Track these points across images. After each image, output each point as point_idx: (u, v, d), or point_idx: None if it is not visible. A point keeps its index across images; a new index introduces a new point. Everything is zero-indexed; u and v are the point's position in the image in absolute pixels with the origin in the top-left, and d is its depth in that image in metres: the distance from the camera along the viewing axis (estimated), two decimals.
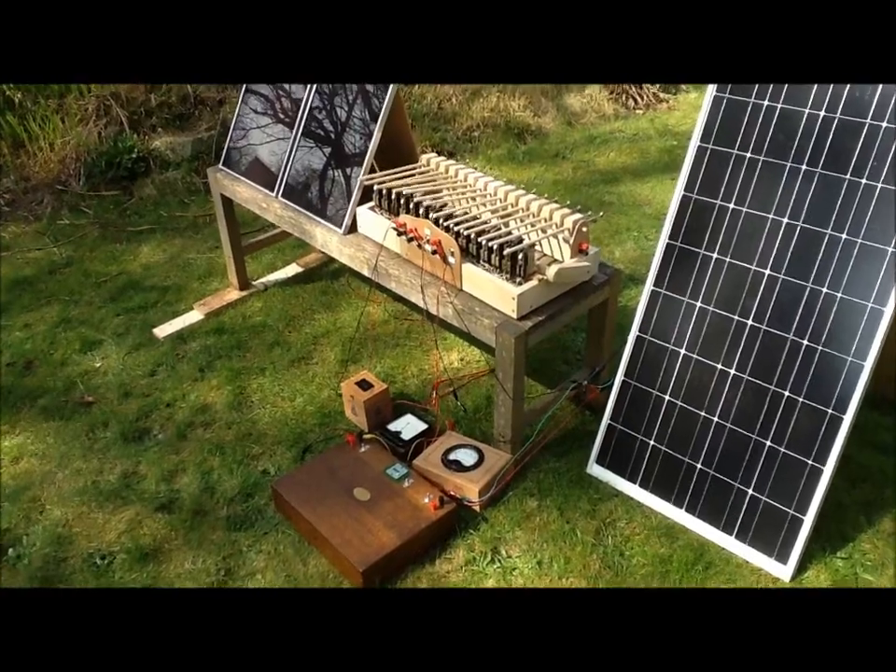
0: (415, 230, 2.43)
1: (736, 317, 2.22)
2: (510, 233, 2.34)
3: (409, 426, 2.65)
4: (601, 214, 2.59)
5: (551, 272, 2.24)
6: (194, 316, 3.37)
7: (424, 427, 2.64)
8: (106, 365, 3.11)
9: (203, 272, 3.71)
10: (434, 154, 2.75)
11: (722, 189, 2.26)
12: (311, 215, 2.83)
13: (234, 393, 2.93)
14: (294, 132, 2.92)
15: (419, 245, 2.43)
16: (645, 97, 5.34)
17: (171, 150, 4.41)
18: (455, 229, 2.36)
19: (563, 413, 2.68)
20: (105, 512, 2.47)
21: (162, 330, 3.30)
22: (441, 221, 2.41)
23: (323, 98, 2.86)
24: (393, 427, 2.65)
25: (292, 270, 3.65)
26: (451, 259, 2.36)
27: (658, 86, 5.39)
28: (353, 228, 2.73)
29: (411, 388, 2.93)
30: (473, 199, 2.56)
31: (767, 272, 2.16)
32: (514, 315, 2.26)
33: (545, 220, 2.41)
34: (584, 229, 2.34)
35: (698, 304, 2.29)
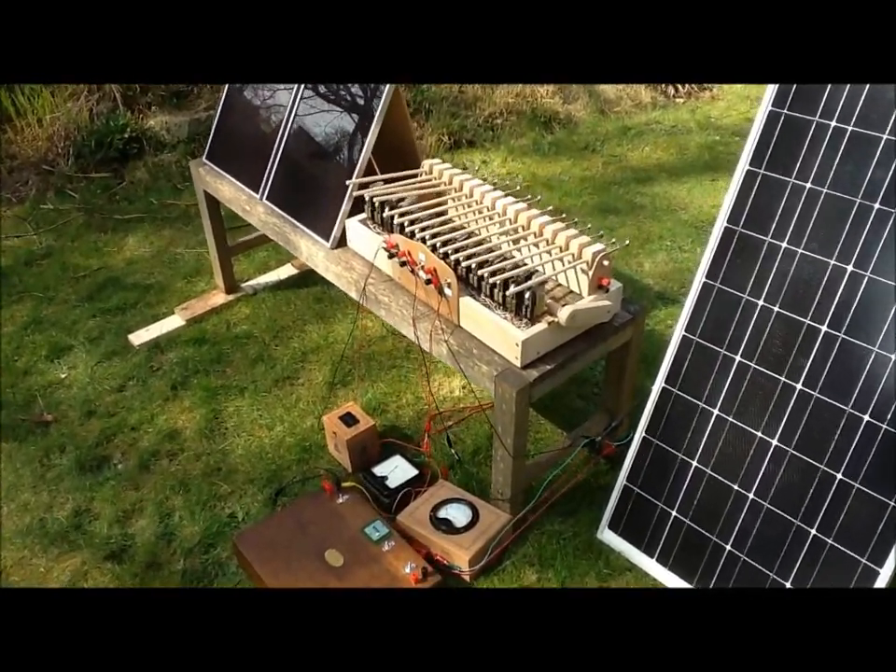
0: (409, 253, 2.08)
1: (783, 378, 1.85)
2: (517, 266, 1.99)
3: (396, 470, 2.33)
4: (626, 242, 2.22)
5: (563, 314, 1.89)
6: (174, 322, 3.07)
7: (413, 473, 2.31)
8: (73, 376, 2.82)
9: (189, 269, 3.40)
10: (438, 161, 2.39)
11: (774, 225, 1.88)
12: (296, 223, 2.49)
13: (208, 417, 2.62)
14: (283, 127, 2.57)
15: (412, 271, 2.09)
16: (686, 84, 4.90)
17: (166, 131, 4.08)
18: (454, 256, 2.01)
19: (573, 462, 2.34)
20: (48, 558, 2.19)
21: (138, 337, 2.99)
22: (437, 247, 2.06)
23: (315, 90, 2.50)
24: (379, 470, 2.33)
25: (286, 271, 3.32)
26: (447, 291, 2.02)
27: None
28: (343, 241, 2.39)
29: (404, 420, 2.60)
30: (478, 219, 2.20)
31: (824, 328, 1.79)
32: (518, 363, 1.92)
33: (560, 249, 2.05)
34: (606, 262, 1.98)
35: (738, 358, 1.93)
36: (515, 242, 2.15)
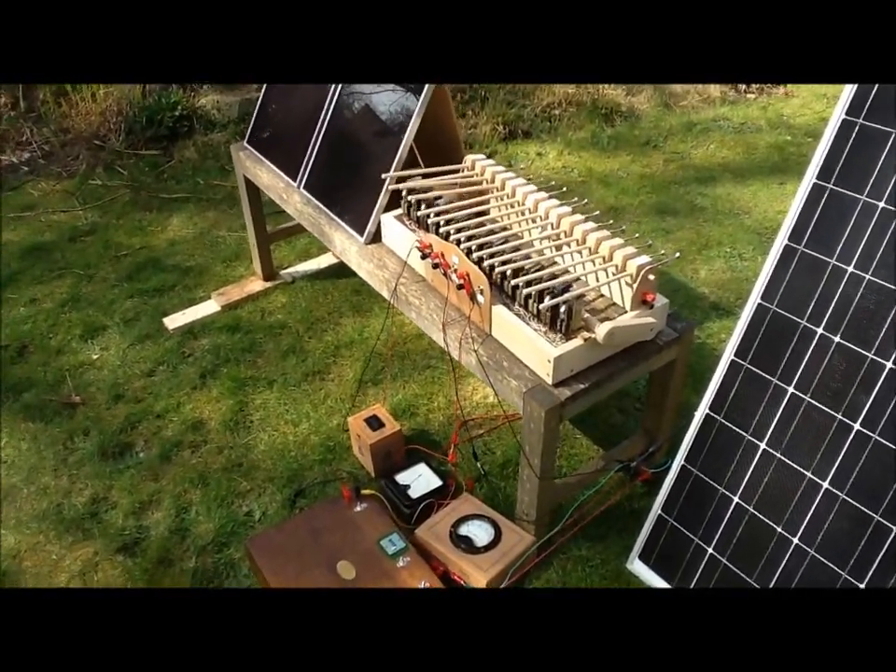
0: (442, 255, 1.97)
1: (840, 415, 1.69)
2: (554, 276, 1.86)
3: (420, 479, 2.23)
4: (677, 254, 2.07)
5: (601, 331, 1.75)
6: (210, 307, 3.01)
7: (437, 483, 2.21)
8: (105, 358, 2.79)
9: (230, 253, 3.34)
10: (481, 156, 2.26)
11: (840, 245, 1.71)
12: (332, 215, 2.40)
13: (234, 409, 2.56)
14: (323, 114, 2.47)
15: (445, 274, 1.97)
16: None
17: (217, 110, 4.03)
18: (489, 262, 1.89)
19: (607, 484, 2.20)
20: (62, 546, 2.15)
21: (173, 321, 2.95)
22: (472, 250, 1.94)
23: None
24: (402, 478, 2.23)
25: (326, 260, 3.24)
26: (480, 298, 1.90)
27: None
28: (378, 236, 2.29)
29: (433, 425, 2.49)
30: (519, 221, 2.07)
31: (889, 364, 1.62)
32: (549, 380, 1.79)
33: (604, 259, 1.90)
34: (651, 276, 1.83)
35: (790, 389, 1.76)
36: (557, 248, 2.01)
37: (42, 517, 2.23)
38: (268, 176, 2.66)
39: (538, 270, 1.88)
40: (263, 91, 2.76)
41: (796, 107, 4.53)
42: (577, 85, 4.25)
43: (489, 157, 3.97)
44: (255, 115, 2.77)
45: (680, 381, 2.08)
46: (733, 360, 1.87)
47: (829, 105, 4.51)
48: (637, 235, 2.06)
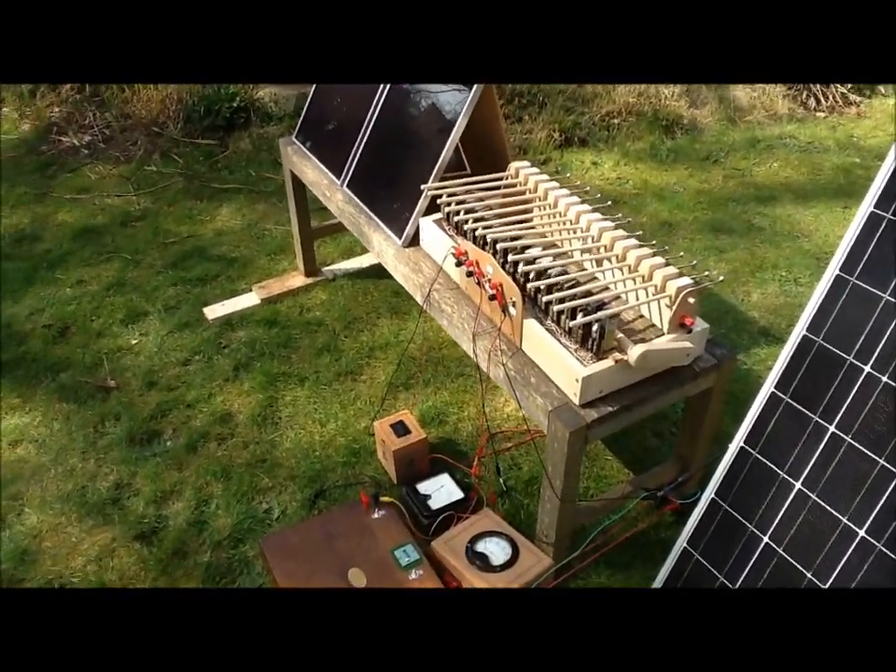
0: (476, 264, 1.92)
1: (882, 461, 1.58)
2: (590, 293, 1.79)
3: (442, 490, 2.18)
4: (721, 278, 1.98)
5: (633, 353, 1.68)
6: (250, 300, 3.02)
7: (459, 496, 2.16)
8: (143, 344, 2.81)
9: (275, 247, 3.34)
10: (525, 164, 2.20)
11: (895, 280, 1.61)
12: (372, 215, 2.37)
13: (264, 404, 2.55)
14: (370, 114, 2.44)
15: (478, 283, 1.93)
16: (830, 97, 4.48)
17: (274, 102, 4.05)
18: (524, 272, 1.83)
19: (634, 509, 2.13)
20: (81, 529, 2.17)
21: (213, 311, 2.96)
22: (508, 261, 1.89)
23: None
24: (423, 487, 2.19)
25: (368, 259, 3.22)
26: (511, 310, 1.84)
27: (849, 85, 4.50)
28: (416, 240, 2.25)
29: (461, 435, 2.45)
30: (559, 232, 2.01)
31: None
32: (576, 401, 1.73)
33: (643, 279, 1.83)
34: (691, 300, 1.75)
35: (831, 428, 1.67)
36: (598, 263, 1.95)
37: (66, 499, 2.25)
38: (313, 173, 2.64)
39: (573, 285, 1.82)
40: (314, 87, 2.75)
41: (868, 128, 4.35)
42: (638, 95, 4.16)
43: (543, 163, 3.93)
44: (305, 110, 2.76)
45: (717, 410, 1.99)
46: (772, 393, 1.78)
47: None
48: (681, 254, 1.97)
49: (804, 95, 4.46)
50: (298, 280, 3.09)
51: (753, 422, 1.81)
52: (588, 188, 2.22)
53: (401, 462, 2.24)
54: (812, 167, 3.93)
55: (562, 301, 1.76)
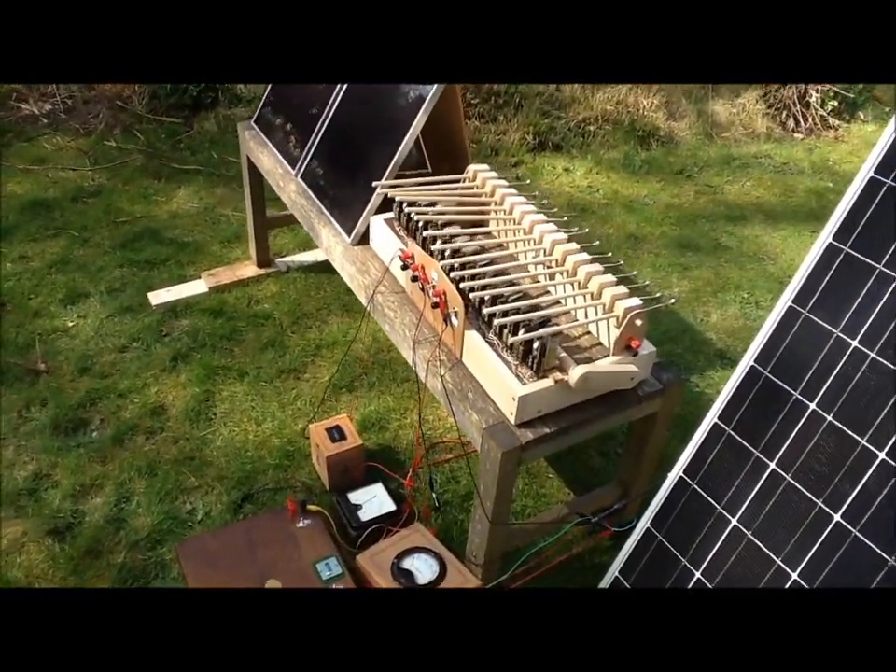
0: (422, 268, 1.83)
1: (821, 503, 1.52)
2: (535, 308, 1.71)
3: (374, 500, 2.10)
4: (672, 301, 1.91)
5: (574, 374, 1.60)
6: (198, 287, 2.91)
7: (390, 507, 2.08)
8: (80, 327, 2.69)
9: (230, 234, 3.23)
10: (484, 167, 2.12)
11: (847, 316, 1.54)
12: (323, 209, 2.27)
13: (199, 398, 2.45)
14: (330, 104, 2.34)
15: (423, 289, 1.84)
16: (810, 119, 4.44)
17: (243, 84, 3.92)
18: (468, 283, 1.75)
19: (570, 532, 2.06)
20: None
21: (158, 296, 2.85)
22: (453, 268, 1.80)
23: None
24: (355, 496, 2.11)
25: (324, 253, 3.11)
26: (454, 320, 1.76)
27: (829, 109, 4.47)
28: (365, 238, 2.16)
29: (401, 443, 2.36)
30: (514, 244, 1.93)
31: (882, 454, 1.46)
32: (512, 420, 1.65)
33: (592, 296, 1.76)
34: (639, 321, 1.68)
35: (772, 465, 1.60)
36: (550, 277, 1.87)
37: None
38: (269, 160, 2.54)
39: (518, 298, 1.74)
40: None
41: (844, 153, 4.32)
42: (616, 103, 4.09)
43: (514, 165, 3.85)
44: (265, 95, 2.66)
45: (661, 435, 1.93)
46: (715, 423, 1.72)
47: None
48: (634, 273, 1.90)
49: (783, 115, 4.42)
50: (249, 270, 2.99)
51: (694, 452, 1.74)
52: (546, 199, 2.14)
53: (334, 469, 2.15)
54: (785, 188, 3.89)
55: (505, 314, 1.68)
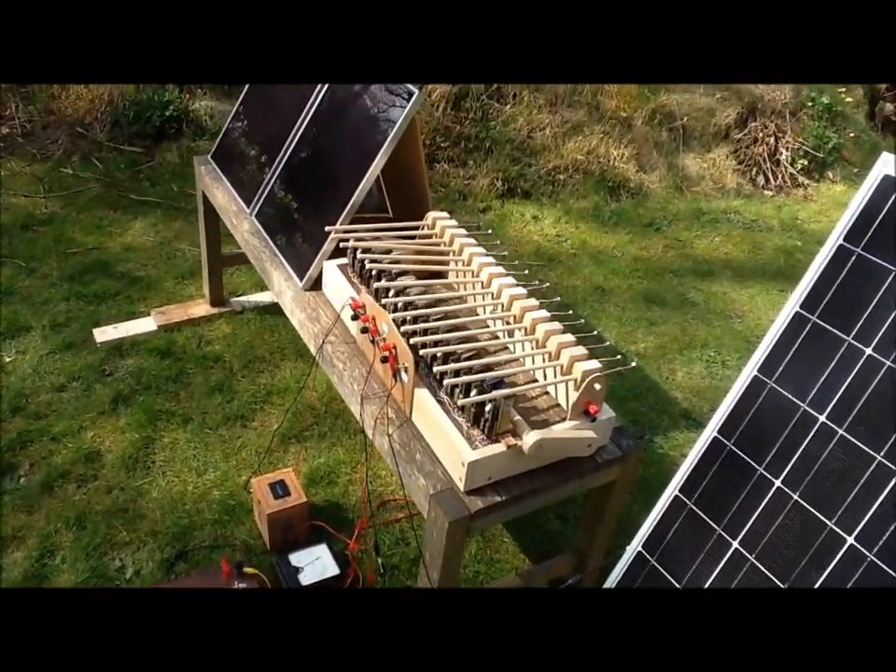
0: (373, 319, 1.74)
1: (786, 588, 1.43)
2: (488, 368, 1.62)
3: (317, 563, 1.97)
4: (633, 363, 1.84)
5: (528, 440, 1.51)
6: (146, 325, 2.78)
7: (334, 572, 1.95)
8: (17, 363, 2.55)
9: (185, 270, 3.12)
10: (443, 215, 2.04)
11: (815, 390, 1.47)
12: (276, 251, 2.18)
13: (138, 444, 2.31)
14: (288, 143, 2.26)
15: (373, 341, 1.74)
16: (780, 176, 4.45)
17: (209, 116, 3.84)
18: (420, 339, 1.65)
19: None
20: None
21: (103, 333, 2.72)
22: (406, 321, 1.71)
23: (329, 110, 2.19)
24: (297, 558, 1.98)
25: None
26: (403, 376, 1.66)
27: (798, 167, 4.49)
28: (318, 283, 2.06)
29: (350, 500, 2.24)
30: (473, 298, 1.85)
31: (850, 539, 1.37)
32: (461, 486, 1.55)
33: (550, 356, 1.67)
34: (598, 385, 1.59)
35: (734, 544, 1.51)
36: (509, 334, 1.78)
37: None
38: (223, 197, 2.44)
39: (472, 356, 1.65)
40: (237, 104, 2.56)
41: (812, 212, 4.33)
42: (587, 153, 4.06)
43: (482, 211, 3.79)
44: (223, 130, 2.57)
45: (619, 503, 1.83)
46: (676, 496, 1.62)
47: None
48: (595, 332, 1.82)
49: (753, 171, 4.43)
50: (202, 309, 2.87)
51: (653, 526, 1.65)
52: (507, 250, 2.06)
53: (276, 527, 2.02)
54: (753, 245, 3.87)
55: (457, 373, 1.58)
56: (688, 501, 1.61)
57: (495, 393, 1.52)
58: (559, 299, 1.92)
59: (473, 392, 1.55)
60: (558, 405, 1.72)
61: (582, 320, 1.85)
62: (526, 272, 1.91)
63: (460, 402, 1.51)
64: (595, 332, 1.81)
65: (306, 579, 1.92)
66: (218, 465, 2.28)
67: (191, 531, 2.09)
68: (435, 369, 1.58)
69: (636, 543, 1.67)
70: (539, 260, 3.45)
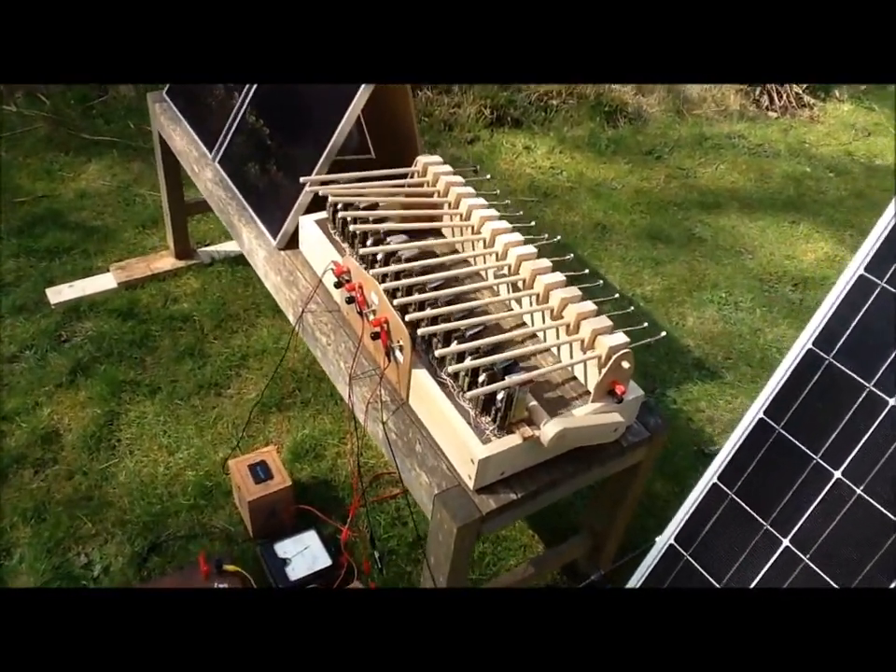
0: (360, 288, 1.49)
1: (852, 588, 1.25)
2: (500, 347, 1.39)
3: (305, 553, 1.78)
4: (663, 333, 1.61)
5: (548, 432, 1.29)
6: (105, 282, 2.52)
7: (325, 563, 1.76)
8: None
9: (146, 217, 2.83)
10: (435, 159, 1.78)
11: (827, 444, 1.26)
12: (245, 204, 1.91)
13: (101, 421, 2.08)
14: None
15: (361, 314, 1.50)
16: (784, 97, 4.16)
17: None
18: (416, 315, 1.42)
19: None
20: None
21: (58, 293, 2.45)
22: (398, 292, 1.47)
23: None
24: (283, 548, 1.78)
25: None
26: (398, 355, 1.43)
27: (804, 85, 4.20)
28: (294, 240, 1.80)
29: (340, 475, 2.04)
30: (474, 260, 1.60)
31: None
32: (470, 485, 1.34)
33: (568, 327, 1.44)
34: (626, 364, 1.37)
35: (785, 542, 1.32)
36: (518, 302, 1.55)
37: None
38: (182, 140, 2.15)
39: (476, 334, 1.41)
40: None
41: (820, 135, 4.06)
42: None
43: (470, 142, 3.50)
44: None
45: (641, 486, 1.64)
46: (714, 485, 1.43)
47: (856, 137, 4.05)
48: (616, 295, 1.59)
49: (756, 92, 4.13)
50: (166, 262, 2.60)
51: (687, 517, 1.46)
52: (508, 201, 1.81)
53: (259, 514, 1.82)
54: (761, 173, 3.61)
55: (461, 356, 1.35)
56: (728, 491, 1.41)
57: (508, 381, 1.30)
58: (571, 256, 1.67)
59: (482, 377, 1.32)
60: (575, 379, 1.50)
61: (601, 281, 1.61)
62: (533, 223, 1.66)
63: (468, 395, 1.29)
64: (631, 308, 1.57)
65: (295, 573, 1.73)
66: (192, 441, 2.06)
67: (164, 519, 1.88)
68: (436, 353, 1.35)
69: (667, 535, 1.48)
70: (533, 196, 3.19)
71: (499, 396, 1.30)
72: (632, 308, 1.78)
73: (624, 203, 3.24)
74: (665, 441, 1.58)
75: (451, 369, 1.31)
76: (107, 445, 2.03)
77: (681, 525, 1.46)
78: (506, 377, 1.31)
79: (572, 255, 1.66)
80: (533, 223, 1.72)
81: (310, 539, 1.81)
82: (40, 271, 2.54)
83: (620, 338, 1.39)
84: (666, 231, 3.12)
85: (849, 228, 3.24)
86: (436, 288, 1.49)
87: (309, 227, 1.72)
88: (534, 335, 1.53)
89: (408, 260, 1.53)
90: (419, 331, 1.36)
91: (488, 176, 1.86)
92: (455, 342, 1.38)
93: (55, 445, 2.01)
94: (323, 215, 1.73)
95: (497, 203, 1.69)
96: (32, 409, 2.09)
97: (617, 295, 1.64)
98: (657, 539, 1.49)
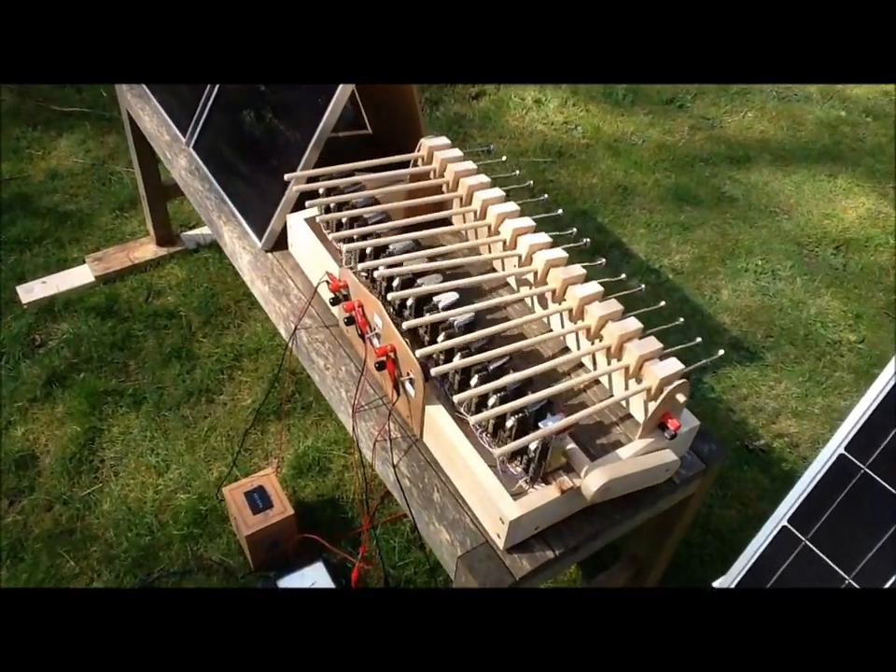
0: (360, 308, 1.27)
1: None
2: (527, 385, 1.17)
3: (312, 588, 1.59)
4: (721, 351, 1.39)
5: (590, 485, 1.08)
6: (82, 276, 2.29)
7: None
8: None
9: (124, 198, 2.59)
10: (441, 141, 1.53)
11: None
12: (225, 197, 1.67)
13: (81, 440, 1.89)
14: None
15: (362, 337, 1.28)
16: None
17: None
18: (429, 350, 1.19)
19: None
20: None
21: (29, 291, 2.24)
22: (405, 311, 1.24)
23: None
24: (288, 583, 1.60)
25: None
26: (409, 388, 1.21)
27: None
28: (282, 242, 1.57)
29: (347, 492, 1.85)
30: (491, 262, 1.37)
31: None
32: (500, 545, 1.13)
33: (609, 350, 1.22)
34: (680, 396, 1.15)
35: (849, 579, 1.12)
36: (547, 319, 1.32)
37: None
38: (152, 121, 1.90)
39: (502, 367, 1.19)
40: None
41: None
42: None
43: (475, 98, 3.21)
44: None
45: (691, 518, 1.43)
46: (784, 527, 1.22)
47: None
48: (662, 303, 1.36)
49: None
50: (147, 250, 2.37)
51: (752, 561, 1.25)
52: (530, 182, 1.56)
53: (259, 547, 1.63)
54: (792, 120, 3.32)
55: (484, 400, 1.13)
56: (802, 537, 1.20)
57: (543, 430, 1.08)
58: (603, 261, 1.43)
59: (510, 421, 1.10)
60: (618, 404, 1.29)
61: (641, 285, 1.38)
62: (560, 211, 1.42)
63: (496, 453, 1.07)
64: (664, 305, 1.34)
65: None
66: (183, 458, 1.87)
67: (155, 552, 1.70)
68: (454, 398, 1.12)
69: (727, 582, 1.28)
70: (546, 156, 2.92)
71: (532, 446, 1.08)
72: (661, 282, 1.55)
73: (646, 161, 2.97)
74: (714, 474, 1.36)
75: (473, 420, 1.09)
76: (89, 468, 1.84)
77: (744, 570, 1.26)
78: (539, 423, 1.10)
79: (604, 260, 1.42)
80: (560, 211, 1.48)
81: (317, 572, 1.62)
82: (9, 266, 2.31)
83: (672, 365, 1.17)
84: (693, 190, 2.85)
85: (892, 179, 2.97)
86: (448, 308, 1.26)
87: (298, 227, 1.49)
88: (570, 360, 1.31)
89: (415, 278, 1.30)
90: (433, 371, 1.14)
91: (503, 158, 1.61)
92: (476, 376, 1.16)
93: (31, 471, 1.82)
94: (315, 211, 1.49)
95: (516, 187, 1.45)
96: (4, 429, 1.90)
97: (643, 285, 1.41)
98: (713, 584, 1.30)
